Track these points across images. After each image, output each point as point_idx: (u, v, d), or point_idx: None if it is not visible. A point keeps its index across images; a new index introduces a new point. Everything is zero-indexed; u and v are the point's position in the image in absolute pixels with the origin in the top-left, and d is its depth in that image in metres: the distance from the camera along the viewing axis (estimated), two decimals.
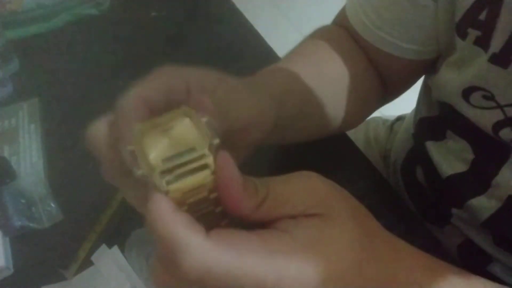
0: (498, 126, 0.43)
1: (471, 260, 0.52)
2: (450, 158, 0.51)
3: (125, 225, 0.49)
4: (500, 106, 0.42)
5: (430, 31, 0.46)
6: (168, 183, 0.23)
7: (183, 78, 0.31)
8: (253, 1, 1.67)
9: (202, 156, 0.23)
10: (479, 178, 0.48)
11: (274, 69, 0.46)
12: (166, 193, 0.23)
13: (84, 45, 0.71)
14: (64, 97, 0.63)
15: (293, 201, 0.25)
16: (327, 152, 0.55)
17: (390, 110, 0.70)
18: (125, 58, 0.67)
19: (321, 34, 0.53)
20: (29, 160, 0.55)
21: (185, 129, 0.25)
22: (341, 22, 0.54)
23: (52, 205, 0.51)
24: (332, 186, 0.27)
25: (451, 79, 0.46)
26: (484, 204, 0.48)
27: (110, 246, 0.47)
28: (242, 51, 0.67)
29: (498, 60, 0.40)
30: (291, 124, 0.43)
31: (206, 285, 0.22)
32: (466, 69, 0.44)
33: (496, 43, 0.40)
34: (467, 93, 0.44)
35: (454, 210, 0.52)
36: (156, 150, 0.24)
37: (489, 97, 0.42)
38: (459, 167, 0.50)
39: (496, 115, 0.42)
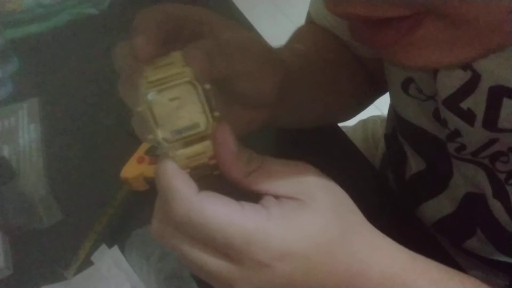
0: (437, 113, 0.44)
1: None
2: (410, 158, 0.52)
3: (125, 225, 0.49)
4: (429, 97, 0.43)
5: None
6: (174, 150, 0.27)
7: (199, 12, 0.33)
8: (253, 1, 1.67)
9: (205, 131, 0.27)
10: (436, 177, 0.49)
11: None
12: (172, 158, 0.27)
13: (84, 45, 0.70)
14: (64, 97, 0.63)
15: (280, 181, 0.28)
16: (327, 152, 0.55)
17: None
18: None
19: (300, 33, 0.54)
20: (29, 160, 0.55)
21: (191, 101, 0.28)
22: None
23: (52, 205, 0.51)
24: (322, 179, 0.29)
25: (393, 71, 0.47)
26: (436, 206, 0.49)
27: (110, 246, 0.47)
28: None
29: None
30: (297, 94, 0.43)
31: (187, 231, 0.27)
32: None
33: None
34: (405, 85, 0.45)
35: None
36: (164, 120, 0.27)
37: (420, 90, 0.44)
38: (419, 166, 0.51)
39: (432, 105, 0.44)
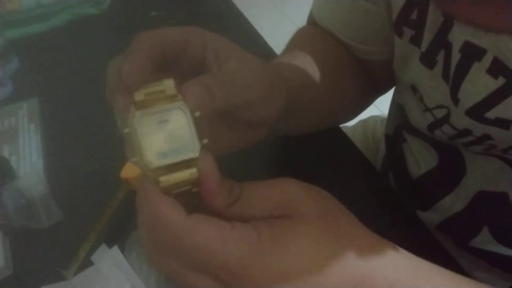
0: (431, 127, 0.44)
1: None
2: (418, 157, 0.52)
3: (125, 225, 0.49)
4: (428, 109, 0.43)
5: (381, 32, 0.47)
6: (158, 175, 0.26)
7: (202, 35, 0.32)
8: (253, 1, 1.67)
9: (192, 157, 0.26)
10: (448, 175, 0.49)
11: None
12: (156, 183, 0.26)
13: (84, 45, 0.70)
14: (64, 97, 0.63)
15: (263, 204, 0.27)
16: (327, 152, 0.55)
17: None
18: None
19: (301, 34, 0.54)
20: (29, 160, 0.55)
21: (180, 126, 0.27)
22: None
23: (52, 205, 0.51)
24: (305, 190, 0.29)
25: (402, 75, 0.47)
26: (446, 206, 0.49)
27: (110, 246, 0.47)
28: None
29: (426, 60, 0.41)
30: (298, 108, 0.43)
31: (180, 258, 0.26)
32: (407, 67, 0.44)
33: (425, 42, 0.40)
34: (413, 90, 0.45)
35: (419, 212, 0.53)
36: (151, 143, 0.26)
37: (421, 99, 0.43)
38: (428, 164, 0.50)
39: (428, 117, 0.43)
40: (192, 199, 0.28)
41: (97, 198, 0.51)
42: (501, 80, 0.35)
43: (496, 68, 0.35)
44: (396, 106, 0.55)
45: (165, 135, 0.27)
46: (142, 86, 0.28)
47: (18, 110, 0.61)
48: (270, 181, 0.29)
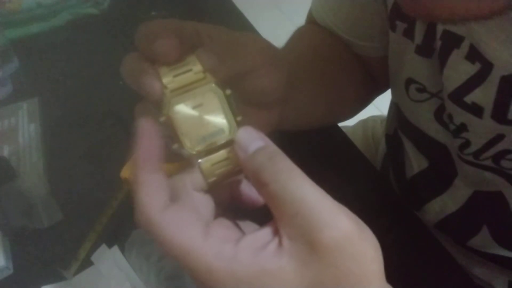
0: (439, 112, 0.44)
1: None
2: (412, 158, 0.52)
3: (125, 225, 0.49)
4: (433, 95, 0.43)
5: (380, 27, 0.47)
6: (198, 157, 0.27)
7: (193, 24, 0.32)
8: (253, 1, 1.67)
9: (228, 136, 0.27)
10: (439, 176, 0.49)
11: None
12: (198, 165, 0.27)
13: (84, 45, 0.70)
14: (64, 97, 0.63)
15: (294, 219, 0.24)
16: (327, 152, 0.55)
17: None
18: None
19: (300, 33, 0.54)
20: (29, 160, 0.55)
21: (214, 108, 0.28)
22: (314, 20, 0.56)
23: (52, 205, 0.51)
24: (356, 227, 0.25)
25: (397, 71, 0.47)
26: (439, 206, 0.49)
27: (110, 246, 0.47)
28: None
29: (422, 50, 0.42)
30: (298, 91, 0.43)
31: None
32: (403, 61, 0.45)
33: (418, 35, 0.41)
34: (407, 85, 0.45)
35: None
36: (188, 130, 0.27)
37: (422, 89, 0.44)
38: (420, 165, 0.51)
39: (434, 104, 0.44)
40: (238, 176, 0.28)
41: (97, 198, 0.51)
42: (477, 65, 0.36)
43: (473, 54, 0.36)
44: (395, 106, 0.55)
45: (201, 120, 0.27)
46: (168, 69, 0.28)
47: (18, 110, 0.61)
48: (326, 198, 0.25)
